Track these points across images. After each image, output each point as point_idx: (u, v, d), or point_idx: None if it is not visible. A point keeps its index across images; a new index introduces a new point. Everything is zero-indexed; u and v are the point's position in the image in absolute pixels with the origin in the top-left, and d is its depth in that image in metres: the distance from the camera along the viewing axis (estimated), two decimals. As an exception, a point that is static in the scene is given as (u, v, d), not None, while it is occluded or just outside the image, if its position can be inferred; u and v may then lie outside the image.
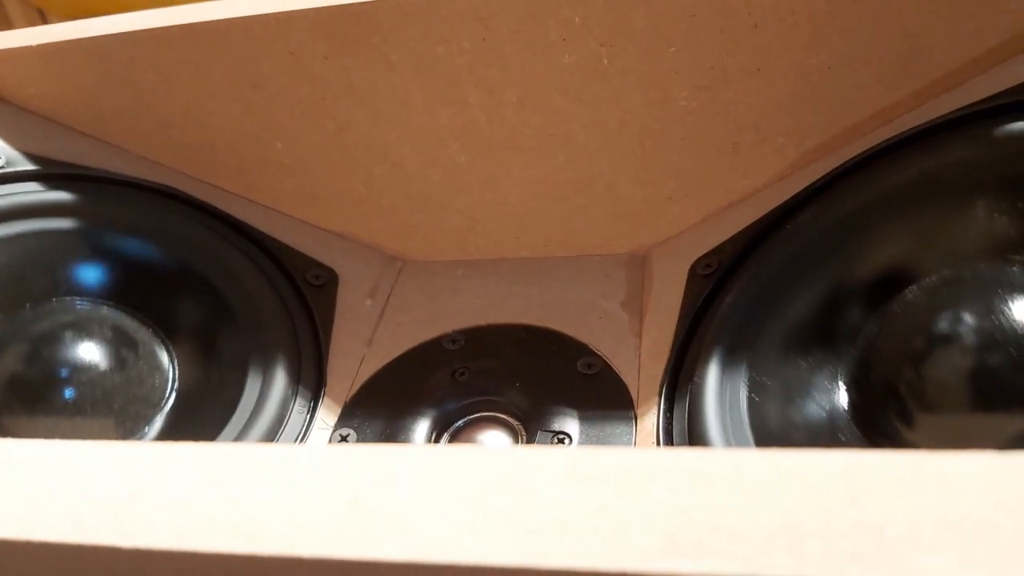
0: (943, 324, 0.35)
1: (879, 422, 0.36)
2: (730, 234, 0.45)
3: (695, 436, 0.38)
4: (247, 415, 0.43)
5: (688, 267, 0.46)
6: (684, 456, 0.19)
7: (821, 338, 0.39)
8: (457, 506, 0.19)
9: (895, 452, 0.18)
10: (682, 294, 0.45)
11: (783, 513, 0.17)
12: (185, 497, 0.21)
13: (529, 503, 0.19)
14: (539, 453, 0.20)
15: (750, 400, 0.38)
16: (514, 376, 0.45)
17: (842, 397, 0.37)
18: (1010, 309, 0.34)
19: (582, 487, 0.19)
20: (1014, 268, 0.35)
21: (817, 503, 0.17)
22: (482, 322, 0.49)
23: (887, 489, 0.17)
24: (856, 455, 0.18)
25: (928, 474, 0.17)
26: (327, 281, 0.50)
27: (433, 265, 0.54)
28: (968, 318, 0.35)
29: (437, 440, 0.43)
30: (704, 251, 0.46)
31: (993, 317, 0.34)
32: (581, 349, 0.46)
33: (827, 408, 0.37)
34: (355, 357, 0.48)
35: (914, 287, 0.37)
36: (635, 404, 0.42)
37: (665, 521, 0.18)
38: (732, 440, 0.36)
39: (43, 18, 1.59)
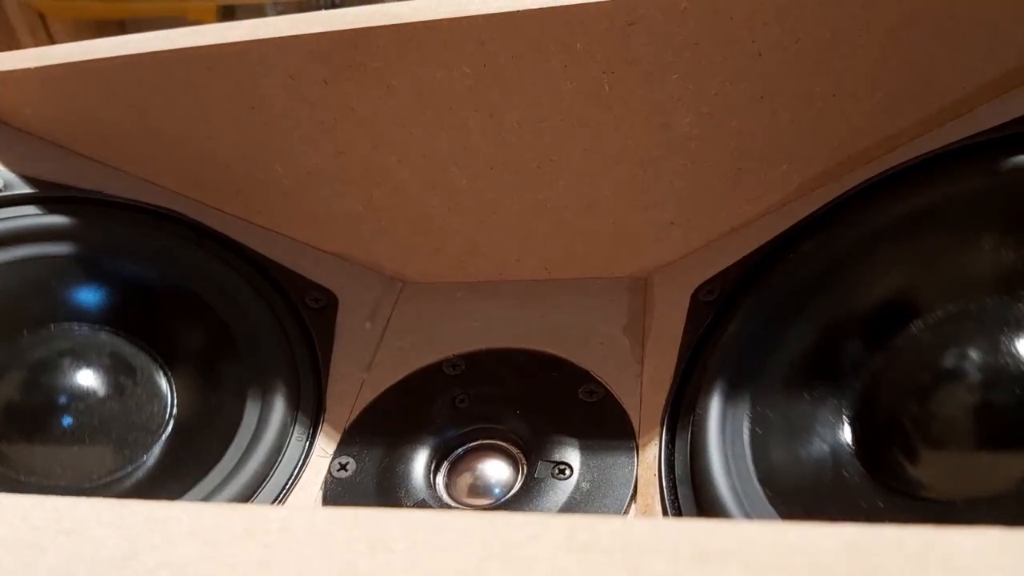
0: (949, 360, 0.35)
1: (883, 458, 0.35)
2: (733, 260, 0.45)
3: (697, 469, 0.37)
4: (246, 443, 0.43)
5: (690, 293, 0.46)
6: (686, 528, 0.18)
7: (825, 371, 0.38)
8: (453, 575, 0.19)
9: (902, 528, 0.17)
10: (684, 321, 0.44)
11: (786, 590, 0.17)
12: (180, 560, 0.20)
13: (526, 574, 0.18)
14: (538, 521, 0.19)
15: (752, 433, 0.38)
16: (515, 403, 0.44)
17: (846, 432, 0.37)
18: (1017, 346, 0.33)
19: (581, 559, 0.18)
20: (1021, 303, 0.35)
21: (821, 581, 0.17)
22: (482, 346, 0.48)
23: (894, 566, 0.17)
24: (862, 530, 0.18)
25: (934, 551, 0.17)
26: (326, 304, 0.50)
27: (433, 287, 0.53)
28: (974, 355, 0.34)
29: (437, 469, 0.43)
30: (706, 277, 0.45)
31: (999, 354, 0.34)
32: (582, 375, 0.45)
33: (830, 442, 0.37)
34: (354, 382, 0.47)
35: (919, 321, 0.37)
36: (637, 434, 0.41)
37: (666, 596, 0.17)
38: (734, 475, 0.36)
39: (44, 23, 1.59)
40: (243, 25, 0.44)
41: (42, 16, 1.59)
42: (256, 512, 0.21)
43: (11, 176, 0.48)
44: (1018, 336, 0.34)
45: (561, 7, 0.40)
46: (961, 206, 0.38)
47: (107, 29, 1.57)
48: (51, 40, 1.59)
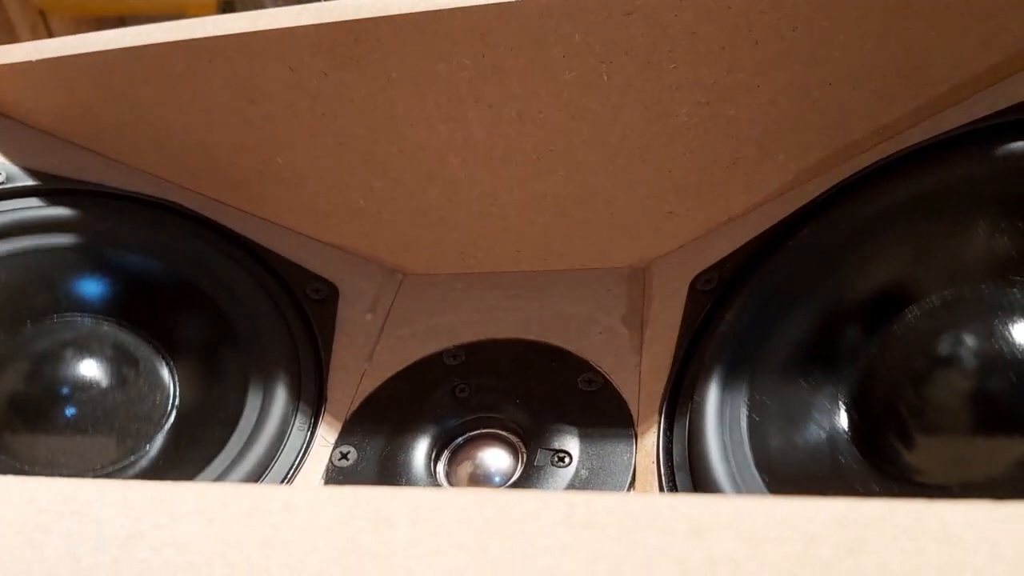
0: (944, 346, 0.35)
1: (879, 444, 0.36)
2: (730, 249, 0.45)
3: (695, 456, 0.38)
4: (248, 433, 0.43)
5: (688, 282, 0.46)
6: (681, 503, 0.19)
7: (821, 357, 0.39)
8: (454, 551, 0.19)
9: (892, 501, 0.18)
10: (682, 310, 0.45)
11: (780, 563, 0.17)
12: (184, 538, 0.21)
13: (526, 550, 0.19)
14: (537, 498, 0.20)
15: (750, 420, 0.38)
16: (514, 392, 0.45)
17: (842, 418, 0.37)
18: (1011, 331, 0.34)
19: (579, 534, 0.19)
20: (1015, 289, 0.35)
21: (814, 553, 0.17)
22: (483, 337, 0.49)
23: (884, 539, 0.17)
24: (853, 504, 0.18)
25: (924, 524, 0.17)
26: (327, 295, 0.50)
27: (434, 278, 0.54)
28: (969, 340, 0.35)
29: (438, 458, 0.43)
30: (705, 266, 0.46)
31: (994, 339, 0.34)
32: (581, 365, 0.46)
33: (827, 429, 0.37)
34: (356, 372, 0.48)
35: (915, 307, 0.37)
36: (635, 422, 0.42)
37: (662, 570, 0.18)
38: (732, 461, 0.36)
39: (44, 19, 1.59)
40: (242, 17, 0.44)
41: (42, 13, 1.59)
42: (260, 491, 0.21)
43: (13, 169, 0.49)
44: (1013, 322, 0.34)
45: (559, -3, 0.40)
46: (957, 193, 0.38)
47: (107, 25, 1.57)
48: (51, 37, 1.59)
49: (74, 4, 1.55)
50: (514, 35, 0.41)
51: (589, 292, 0.50)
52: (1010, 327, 0.34)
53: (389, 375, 0.47)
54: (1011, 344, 0.34)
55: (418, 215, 0.51)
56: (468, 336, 0.49)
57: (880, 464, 0.35)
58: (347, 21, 0.42)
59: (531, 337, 0.48)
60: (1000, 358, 0.34)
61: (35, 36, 1.58)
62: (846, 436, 0.37)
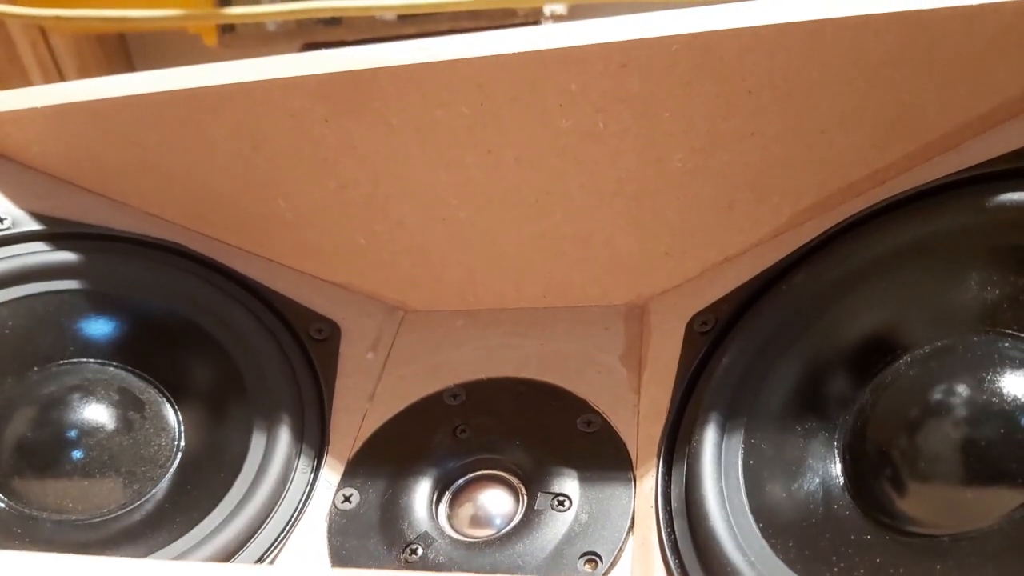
0: (936, 396, 0.36)
1: (872, 491, 0.36)
2: (727, 290, 0.46)
3: (692, 501, 0.38)
4: (252, 475, 0.44)
5: (686, 321, 0.46)
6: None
7: (816, 404, 0.39)
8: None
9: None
10: (680, 351, 0.45)
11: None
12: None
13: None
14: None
15: (746, 465, 0.39)
16: (514, 433, 0.45)
17: (836, 465, 0.38)
18: (1002, 383, 0.34)
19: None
20: (1006, 342, 0.35)
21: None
22: (483, 375, 0.49)
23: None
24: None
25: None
26: (329, 335, 0.51)
27: (434, 315, 0.54)
28: (960, 391, 0.35)
29: (439, 500, 0.44)
30: (701, 306, 0.46)
31: (985, 391, 0.34)
32: (580, 405, 0.46)
33: (821, 476, 0.38)
34: (358, 413, 0.48)
35: (907, 356, 0.38)
36: (634, 465, 0.42)
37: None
38: (728, 507, 0.37)
39: (44, 38, 1.59)
40: (245, 65, 0.45)
41: (43, 30, 1.60)
42: (263, 573, 0.22)
43: (19, 213, 0.49)
44: (1002, 372, 0.35)
45: (556, 49, 0.41)
46: (949, 242, 0.38)
47: (108, 42, 1.58)
48: (52, 54, 1.60)
49: (75, 23, 1.55)
50: (511, 85, 0.42)
51: (588, 330, 0.51)
52: (1000, 378, 0.35)
53: (391, 415, 0.48)
54: (1001, 395, 0.34)
55: (419, 254, 0.52)
56: (468, 374, 0.50)
57: (873, 512, 0.36)
58: (347, 71, 0.43)
59: (531, 376, 0.49)
60: (990, 409, 0.34)
61: (35, 53, 1.58)
62: (840, 483, 0.37)
